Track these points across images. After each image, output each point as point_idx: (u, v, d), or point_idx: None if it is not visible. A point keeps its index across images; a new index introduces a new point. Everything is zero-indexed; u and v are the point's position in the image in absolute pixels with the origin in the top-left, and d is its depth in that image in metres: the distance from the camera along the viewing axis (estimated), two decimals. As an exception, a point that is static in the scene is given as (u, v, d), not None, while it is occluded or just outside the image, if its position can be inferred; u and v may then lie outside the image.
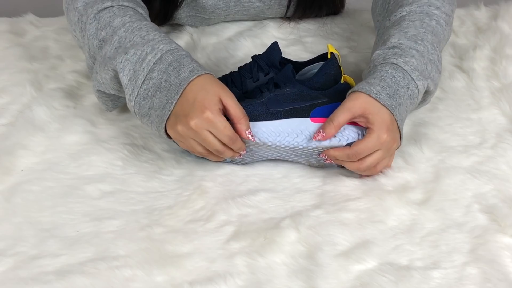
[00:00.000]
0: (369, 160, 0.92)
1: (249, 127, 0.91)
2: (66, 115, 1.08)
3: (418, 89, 0.95)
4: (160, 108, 0.91)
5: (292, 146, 0.93)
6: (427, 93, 0.99)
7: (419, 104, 1.02)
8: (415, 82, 0.95)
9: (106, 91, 0.99)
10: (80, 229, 0.88)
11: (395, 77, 0.94)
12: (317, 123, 0.93)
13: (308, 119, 0.94)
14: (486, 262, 0.82)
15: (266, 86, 0.96)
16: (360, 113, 0.91)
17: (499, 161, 0.97)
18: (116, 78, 0.96)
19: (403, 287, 0.79)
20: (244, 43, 1.21)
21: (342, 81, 0.99)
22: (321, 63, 1.03)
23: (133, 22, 0.96)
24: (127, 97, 0.94)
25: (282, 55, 1.03)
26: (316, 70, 1.02)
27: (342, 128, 0.92)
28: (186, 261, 0.83)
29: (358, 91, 0.92)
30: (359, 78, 1.03)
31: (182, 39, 1.23)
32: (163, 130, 0.92)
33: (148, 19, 1.01)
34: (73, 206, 0.92)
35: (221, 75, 1.03)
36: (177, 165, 0.98)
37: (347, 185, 0.93)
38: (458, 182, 0.94)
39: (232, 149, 0.92)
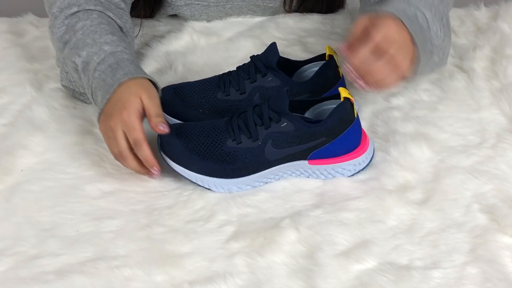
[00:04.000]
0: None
1: (162, 122, 0.93)
2: (66, 115, 1.08)
3: (426, 20, 0.95)
4: (99, 106, 0.97)
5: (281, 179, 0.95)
6: (438, 47, 0.98)
7: (436, 59, 1.01)
8: (421, 10, 0.95)
9: (77, 89, 1.07)
10: (80, 229, 0.88)
11: (400, 6, 0.95)
12: (314, 165, 0.93)
13: (305, 162, 0.93)
14: (486, 262, 0.82)
15: (260, 117, 0.91)
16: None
17: (499, 161, 0.97)
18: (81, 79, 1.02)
19: (403, 287, 0.79)
20: (244, 43, 1.21)
21: (342, 98, 0.92)
22: (320, 62, 1.03)
23: (91, 26, 1.02)
24: (88, 98, 1.03)
25: (282, 55, 1.03)
26: (316, 69, 1.02)
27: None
28: (186, 261, 0.83)
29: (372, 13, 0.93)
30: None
31: (182, 39, 1.23)
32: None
33: (118, 21, 1.07)
34: (72, 206, 0.92)
35: (220, 74, 1.04)
36: (177, 165, 0.98)
37: (347, 185, 0.93)
38: (458, 182, 0.94)
39: (140, 163, 0.93)
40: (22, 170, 0.98)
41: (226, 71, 1.04)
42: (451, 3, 1.06)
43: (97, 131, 1.04)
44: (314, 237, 0.86)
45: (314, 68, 1.03)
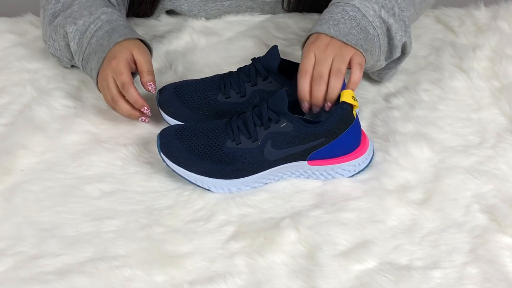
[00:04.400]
0: (332, 69, 0.94)
1: (152, 81, 1.01)
2: (66, 115, 1.08)
3: (358, 8, 0.98)
4: (95, 68, 1.03)
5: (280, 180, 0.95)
6: (389, 30, 1.00)
7: (393, 48, 1.02)
8: (349, 3, 0.98)
9: (61, 58, 1.14)
10: (80, 229, 0.88)
11: (329, 12, 0.99)
12: (314, 166, 0.93)
13: (305, 162, 0.93)
14: (486, 262, 0.82)
15: (260, 117, 0.91)
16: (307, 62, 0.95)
17: (499, 161, 0.97)
18: (68, 47, 1.09)
19: (403, 287, 0.79)
20: (244, 43, 1.21)
21: (341, 100, 0.93)
22: None
23: (87, 1, 1.10)
24: (77, 63, 1.09)
25: (282, 55, 1.02)
26: None
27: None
28: (186, 261, 0.83)
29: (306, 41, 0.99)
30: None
31: (182, 39, 1.23)
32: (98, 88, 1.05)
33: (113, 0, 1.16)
34: (73, 206, 0.92)
35: (220, 74, 1.04)
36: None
37: (347, 185, 0.93)
38: (458, 182, 0.94)
39: (132, 106, 1.01)
40: (22, 170, 0.98)
41: (226, 71, 1.04)
42: None
43: (97, 131, 1.04)
44: (314, 237, 0.86)
45: None
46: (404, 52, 1.05)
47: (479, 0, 1.31)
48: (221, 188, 0.92)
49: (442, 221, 0.88)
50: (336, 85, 0.93)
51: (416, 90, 1.11)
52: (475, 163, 0.97)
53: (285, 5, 1.27)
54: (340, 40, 0.95)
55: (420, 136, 1.01)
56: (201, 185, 0.92)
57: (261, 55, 1.02)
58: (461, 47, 1.20)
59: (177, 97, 1.02)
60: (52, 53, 1.15)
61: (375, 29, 0.99)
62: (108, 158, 0.99)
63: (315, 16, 1.28)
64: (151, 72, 1.02)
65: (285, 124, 0.90)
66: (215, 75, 1.04)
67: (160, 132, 0.95)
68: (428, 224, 0.88)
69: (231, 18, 1.28)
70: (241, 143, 0.91)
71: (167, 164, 0.93)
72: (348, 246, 0.85)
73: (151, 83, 1.01)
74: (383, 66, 1.05)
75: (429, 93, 1.10)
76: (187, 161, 0.92)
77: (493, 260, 0.82)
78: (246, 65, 1.02)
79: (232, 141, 0.91)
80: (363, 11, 0.98)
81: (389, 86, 1.12)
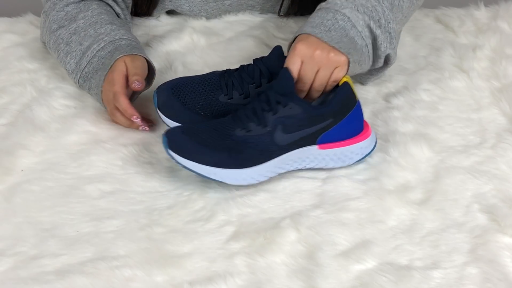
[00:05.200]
0: (316, 81, 0.95)
1: (136, 79, 1.01)
2: (66, 115, 1.08)
3: (348, 18, 0.97)
4: (97, 86, 1.05)
5: (292, 169, 0.95)
6: (375, 40, 1.00)
7: (376, 58, 1.02)
8: (340, 11, 0.98)
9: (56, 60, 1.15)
10: (80, 229, 0.88)
11: (319, 17, 0.99)
12: (324, 150, 0.94)
13: (315, 147, 0.93)
14: (486, 262, 0.82)
15: (267, 103, 0.91)
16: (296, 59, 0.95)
17: (499, 161, 0.97)
18: (65, 62, 1.11)
19: (403, 287, 0.79)
20: (244, 43, 1.21)
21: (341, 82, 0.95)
22: None
23: (92, 17, 1.11)
24: (72, 79, 1.11)
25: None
26: None
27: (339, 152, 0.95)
28: (186, 261, 0.83)
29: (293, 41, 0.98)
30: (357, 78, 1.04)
31: (182, 39, 1.23)
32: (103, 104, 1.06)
33: (116, 7, 1.17)
34: (73, 206, 0.92)
35: (217, 71, 1.03)
36: (177, 165, 0.98)
37: (347, 185, 0.93)
38: (458, 182, 0.94)
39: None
40: (22, 170, 0.98)
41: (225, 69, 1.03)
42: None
43: (97, 131, 1.04)
44: (314, 237, 0.86)
45: None
46: (387, 63, 1.05)
47: (479, 0, 1.31)
48: (235, 179, 0.91)
49: (442, 221, 0.88)
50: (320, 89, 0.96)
51: (416, 90, 1.11)
52: (475, 163, 0.97)
53: (281, 13, 1.27)
54: (331, 46, 0.95)
55: (420, 136, 1.01)
56: (214, 178, 0.90)
57: (262, 55, 1.02)
58: (461, 47, 1.20)
59: (176, 98, 1.01)
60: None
61: (363, 39, 0.98)
62: (108, 158, 0.99)
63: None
64: (137, 74, 1.02)
65: (292, 107, 0.90)
66: (212, 72, 1.03)
67: (166, 131, 0.93)
68: (428, 224, 0.88)
69: (231, 18, 1.28)
70: (251, 130, 0.90)
71: (176, 161, 0.91)
72: (348, 246, 0.85)
73: (136, 80, 1.01)
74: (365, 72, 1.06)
75: (429, 93, 1.10)
76: (198, 154, 0.90)
77: (493, 260, 0.82)
78: (248, 65, 1.01)
79: (241, 129, 0.91)
80: (353, 20, 0.98)
81: (389, 86, 1.12)
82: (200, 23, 1.27)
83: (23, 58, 1.21)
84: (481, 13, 1.29)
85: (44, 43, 1.18)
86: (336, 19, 0.98)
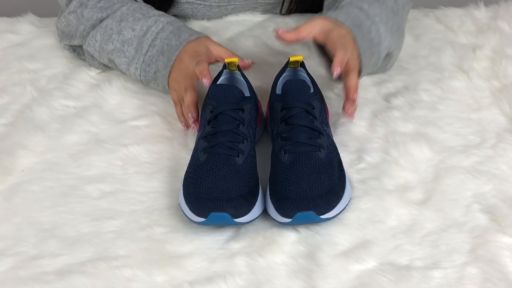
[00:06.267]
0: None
1: (207, 76, 0.95)
2: (66, 115, 1.08)
3: (379, 35, 1.01)
4: (164, 68, 1.03)
5: None
6: (388, 55, 1.06)
7: (380, 66, 1.07)
8: (377, 25, 1.01)
9: (95, 58, 1.13)
10: (80, 229, 0.88)
11: (359, 17, 1.00)
12: None
13: None
14: (486, 262, 0.82)
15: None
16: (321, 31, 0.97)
17: (499, 161, 0.97)
18: (113, 51, 1.08)
19: (403, 287, 0.79)
20: (245, 42, 1.21)
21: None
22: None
23: (133, 4, 1.10)
24: (133, 65, 1.07)
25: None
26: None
27: None
28: (186, 261, 0.83)
29: (323, 17, 0.99)
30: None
31: (182, 39, 1.23)
32: (168, 87, 1.04)
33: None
34: (73, 206, 0.92)
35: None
36: (177, 165, 0.98)
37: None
38: (458, 182, 0.94)
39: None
40: (22, 170, 0.98)
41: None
42: (405, 17, 1.12)
43: (97, 131, 1.04)
44: (314, 237, 0.86)
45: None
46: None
47: (479, 0, 1.31)
48: None
49: (442, 221, 0.88)
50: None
51: (416, 90, 1.11)
52: (475, 163, 0.97)
53: (282, 11, 1.27)
54: (359, 53, 0.99)
55: (420, 136, 1.01)
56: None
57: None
58: (461, 47, 1.20)
59: None
60: (85, 50, 1.14)
61: (378, 60, 1.04)
62: (108, 158, 0.99)
63: (315, 16, 1.27)
64: (234, 54, 1.03)
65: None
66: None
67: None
68: (428, 224, 0.88)
69: (231, 18, 1.28)
70: None
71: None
72: (348, 246, 0.85)
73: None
74: None
75: (429, 93, 1.10)
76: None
77: (493, 260, 0.82)
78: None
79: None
80: (382, 38, 1.02)
81: (389, 86, 1.12)
82: (200, 23, 1.27)
83: (23, 58, 1.21)
84: (481, 13, 1.29)
85: (67, 45, 1.17)
86: (370, 30, 1.01)
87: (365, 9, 1.02)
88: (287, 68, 1.00)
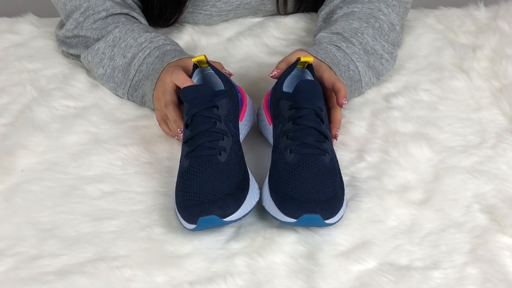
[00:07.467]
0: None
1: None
2: (66, 115, 1.08)
3: (359, 71, 1.05)
4: (149, 92, 1.04)
5: None
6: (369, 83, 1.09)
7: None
8: (355, 63, 1.05)
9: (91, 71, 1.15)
10: (80, 229, 0.88)
11: (336, 57, 1.04)
12: None
13: None
14: (486, 262, 0.82)
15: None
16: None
17: (499, 161, 0.97)
18: (104, 75, 1.10)
19: (403, 287, 0.79)
20: (245, 42, 1.21)
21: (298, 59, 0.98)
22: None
23: (126, 25, 1.11)
24: (120, 91, 1.09)
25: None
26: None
27: None
28: (186, 262, 0.83)
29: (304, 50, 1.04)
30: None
31: (182, 39, 1.22)
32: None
33: (142, 20, 1.16)
34: (73, 206, 0.92)
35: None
36: (177, 165, 0.98)
37: (347, 185, 0.93)
38: (458, 182, 0.94)
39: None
40: (22, 170, 0.98)
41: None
42: (392, 34, 1.14)
43: (97, 131, 1.04)
44: (314, 237, 0.86)
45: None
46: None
47: (479, 0, 1.31)
48: None
49: (442, 221, 0.88)
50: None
51: (416, 90, 1.11)
52: (475, 163, 0.97)
53: (281, 11, 1.27)
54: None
55: (420, 136, 1.01)
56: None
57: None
58: (461, 47, 1.20)
59: None
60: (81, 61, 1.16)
61: (359, 95, 1.09)
62: (108, 158, 0.99)
63: (315, 15, 1.27)
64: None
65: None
66: None
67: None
68: (428, 224, 0.88)
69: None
70: None
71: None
72: (348, 246, 0.85)
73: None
74: None
75: (429, 93, 1.10)
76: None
77: (493, 260, 0.82)
78: None
79: None
80: (361, 76, 1.06)
81: (389, 86, 1.12)
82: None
83: (23, 58, 1.21)
84: (481, 13, 1.29)
85: (65, 52, 1.19)
86: (349, 68, 1.05)
87: (342, 46, 1.06)
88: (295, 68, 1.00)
